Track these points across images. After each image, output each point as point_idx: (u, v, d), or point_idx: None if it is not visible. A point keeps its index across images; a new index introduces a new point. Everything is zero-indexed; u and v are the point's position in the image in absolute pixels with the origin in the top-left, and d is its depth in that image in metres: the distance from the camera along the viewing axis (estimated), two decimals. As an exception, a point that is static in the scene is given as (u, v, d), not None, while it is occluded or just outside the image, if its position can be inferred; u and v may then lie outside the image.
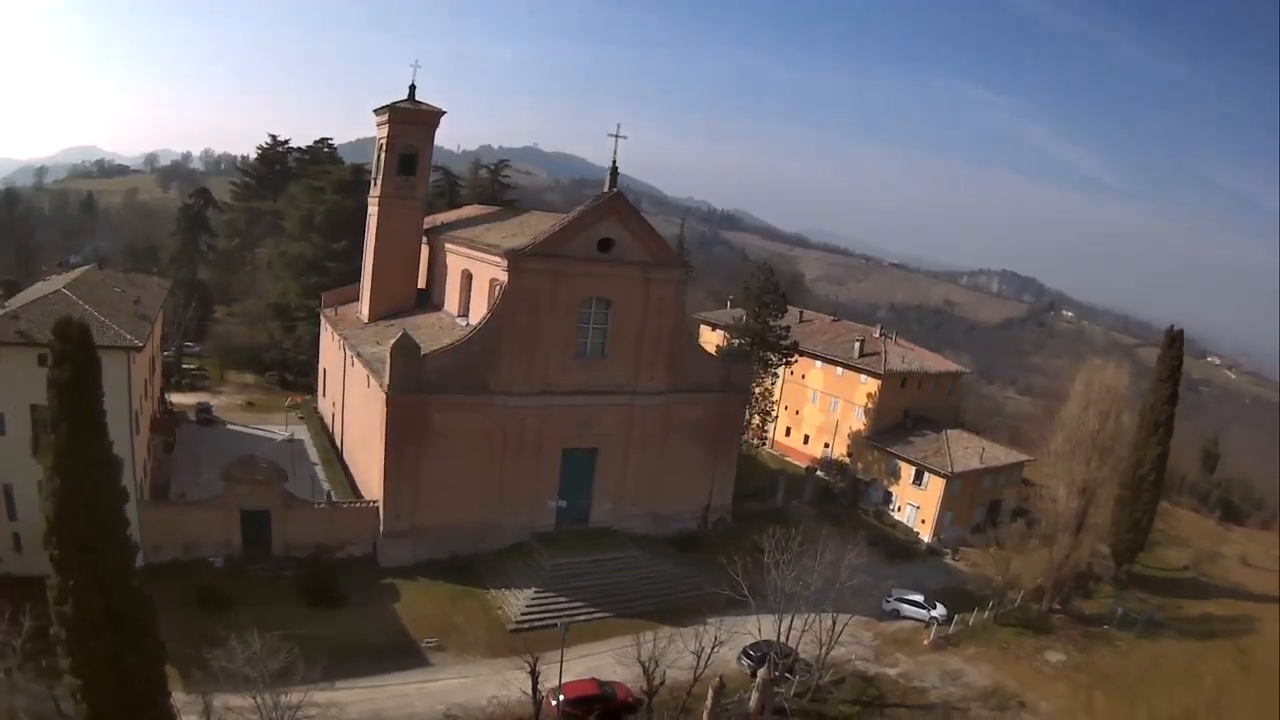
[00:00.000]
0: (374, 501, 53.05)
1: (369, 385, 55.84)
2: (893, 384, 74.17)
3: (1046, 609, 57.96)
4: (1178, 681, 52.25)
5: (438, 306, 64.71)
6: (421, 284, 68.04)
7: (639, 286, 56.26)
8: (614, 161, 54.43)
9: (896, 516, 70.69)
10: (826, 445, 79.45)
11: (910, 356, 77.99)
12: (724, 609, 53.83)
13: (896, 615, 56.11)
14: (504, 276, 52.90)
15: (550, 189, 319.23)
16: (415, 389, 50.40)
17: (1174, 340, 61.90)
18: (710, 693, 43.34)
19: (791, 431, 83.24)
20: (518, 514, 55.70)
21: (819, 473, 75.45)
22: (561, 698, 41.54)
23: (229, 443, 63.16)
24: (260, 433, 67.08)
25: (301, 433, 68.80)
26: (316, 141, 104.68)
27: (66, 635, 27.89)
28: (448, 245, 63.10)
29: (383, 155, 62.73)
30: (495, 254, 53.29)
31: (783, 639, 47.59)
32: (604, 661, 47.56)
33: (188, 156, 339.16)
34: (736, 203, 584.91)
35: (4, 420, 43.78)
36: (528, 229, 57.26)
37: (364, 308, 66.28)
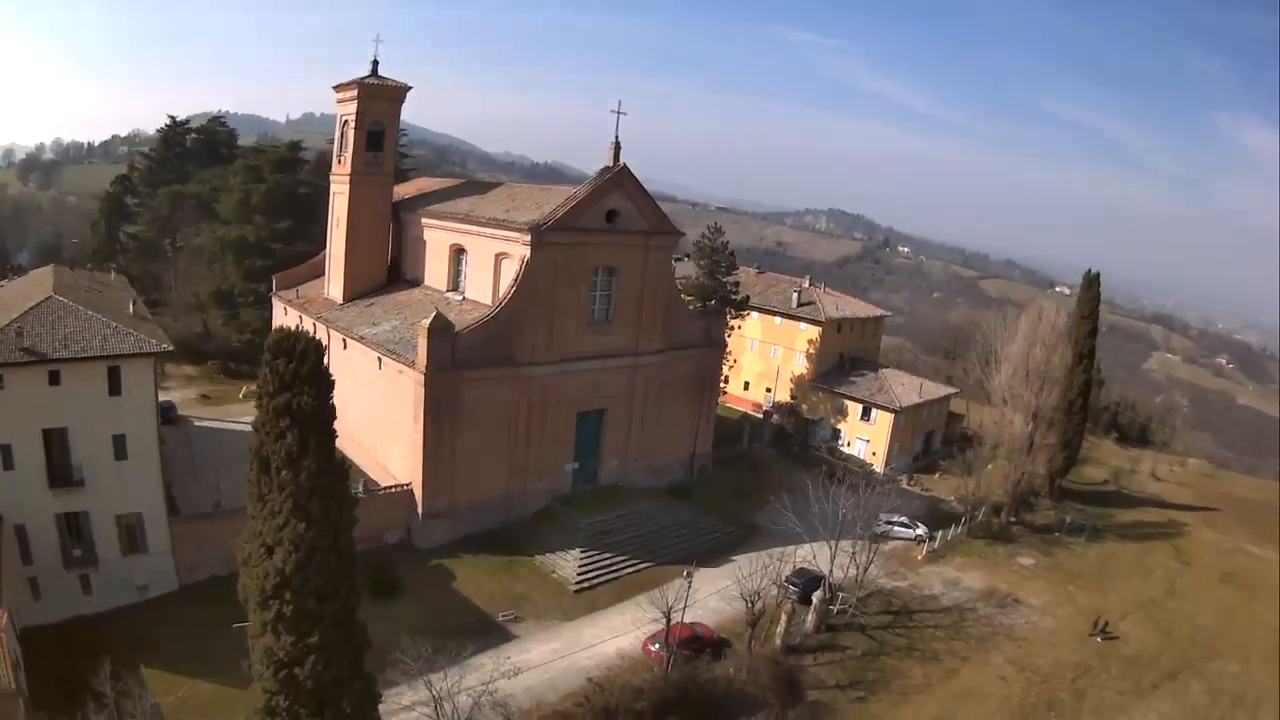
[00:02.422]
0: (406, 484, 54.38)
1: (380, 367, 56.54)
2: (831, 330, 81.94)
3: (1005, 522, 67.77)
4: (1133, 575, 63.08)
5: (414, 282, 65.13)
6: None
7: (639, 254, 59.99)
8: (616, 138, 57.13)
9: (847, 451, 78.96)
10: (768, 390, 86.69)
11: (841, 303, 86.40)
12: (741, 546, 60.43)
13: (887, 536, 64.32)
14: (515, 250, 55.11)
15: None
16: (450, 367, 52.05)
17: (1092, 282, 72.94)
18: (784, 618, 49.74)
19: (730, 379, 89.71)
20: (540, 480, 58.59)
21: (774, 417, 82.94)
22: (657, 646, 45.90)
23: (210, 441, 61.19)
24: (236, 427, 65.00)
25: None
26: (211, 119, 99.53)
27: (294, 702, 26.25)
28: (426, 220, 63.51)
29: (350, 131, 62.08)
30: (511, 229, 54.86)
31: (815, 566, 54.78)
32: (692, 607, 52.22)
33: (41, 148, 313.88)
34: (554, 155, 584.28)
35: (11, 452, 39.81)
36: (520, 202, 59.04)
37: (334, 288, 65.67)
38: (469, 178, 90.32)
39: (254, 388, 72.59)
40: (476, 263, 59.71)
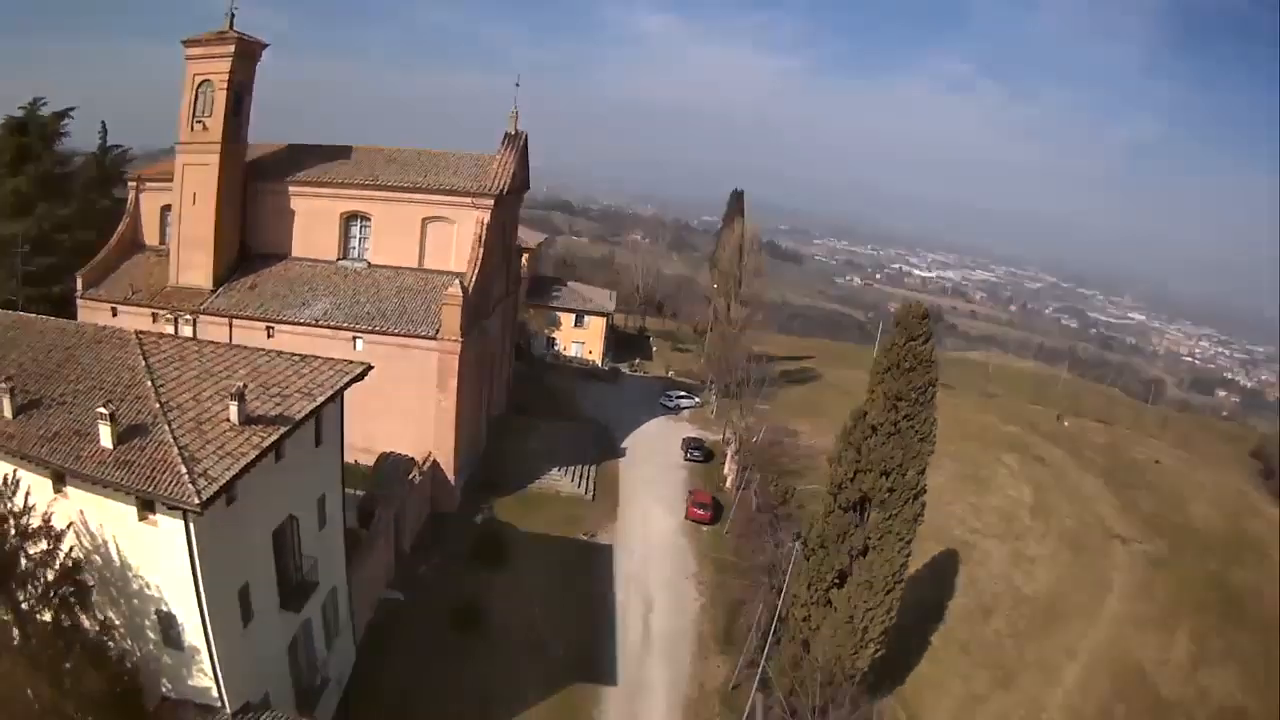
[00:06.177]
0: (429, 456, 52.90)
1: (357, 346, 52.00)
2: (531, 256, 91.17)
3: (730, 382, 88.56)
4: (826, 402, 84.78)
5: (274, 256, 57.06)
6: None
7: (513, 208, 64.70)
8: (515, 107, 60.27)
9: (567, 354, 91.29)
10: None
11: (528, 233, 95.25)
12: (619, 438, 71.85)
13: (677, 409, 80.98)
14: (458, 214, 55.82)
15: None
16: (467, 332, 52.55)
17: (739, 198, 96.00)
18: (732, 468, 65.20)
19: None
20: (479, 424, 61.47)
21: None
22: (701, 509, 59.39)
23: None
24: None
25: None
26: None
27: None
28: (300, 189, 56.08)
29: (217, 94, 51.31)
30: (462, 194, 55.18)
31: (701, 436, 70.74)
32: (658, 485, 63.54)
33: None
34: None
35: (249, 593, 28.00)
36: (425, 166, 57.52)
37: (195, 274, 53.68)
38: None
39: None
40: (389, 229, 56.90)
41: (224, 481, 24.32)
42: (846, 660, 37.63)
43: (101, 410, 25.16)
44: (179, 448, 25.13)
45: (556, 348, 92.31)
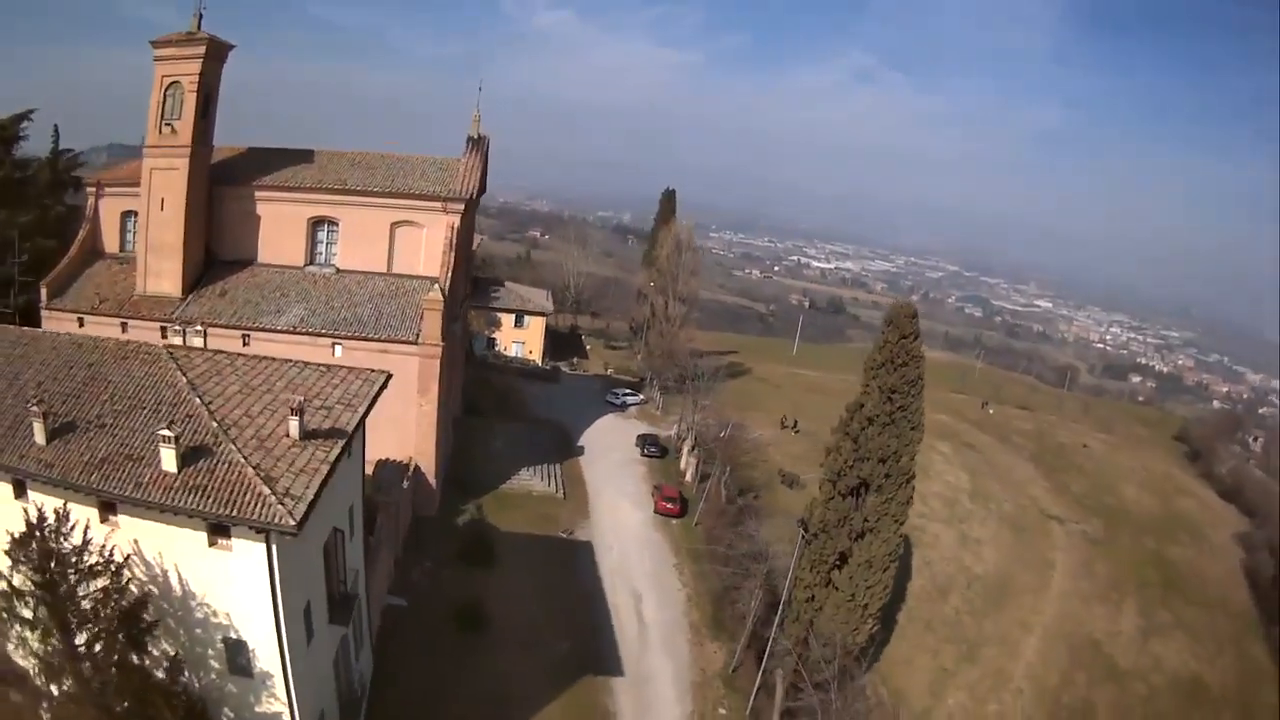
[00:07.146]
0: (409, 459, 51.45)
1: (336, 352, 49.71)
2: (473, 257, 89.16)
3: (670, 379, 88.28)
4: (760, 396, 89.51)
5: (240, 261, 54.07)
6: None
7: (473, 213, 63.39)
8: (478, 110, 58.83)
9: (508, 354, 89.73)
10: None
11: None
12: (575, 435, 71.32)
13: (624, 406, 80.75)
14: (427, 219, 54.00)
15: None
16: (444, 336, 51.35)
17: (670, 197, 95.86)
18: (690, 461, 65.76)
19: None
20: (449, 426, 60.08)
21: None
22: (669, 503, 59.55)
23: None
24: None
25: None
26: None
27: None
28: (266, 194, 53.14)
29: (187, 97, 48.13)
30: (432, 198, 53.49)
31: (654, 433, 71.16)
32: (621, 481, 63.53)
33: None
34: None
35: (310, 613, 27.23)
36: (391, 170, 55.40)
37: (164, 281, 50.16)
38: None
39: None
40: (357, 234, 54.75)
41: (310, 499, 23.43)
42: (849, 637, 39.13)
43: (165, 432, 23.82)
44: (252, 467, 23.88)
45: (497, 348, 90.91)
